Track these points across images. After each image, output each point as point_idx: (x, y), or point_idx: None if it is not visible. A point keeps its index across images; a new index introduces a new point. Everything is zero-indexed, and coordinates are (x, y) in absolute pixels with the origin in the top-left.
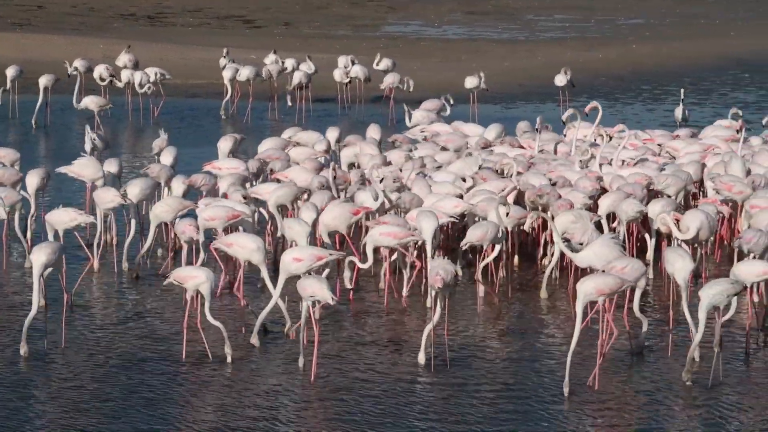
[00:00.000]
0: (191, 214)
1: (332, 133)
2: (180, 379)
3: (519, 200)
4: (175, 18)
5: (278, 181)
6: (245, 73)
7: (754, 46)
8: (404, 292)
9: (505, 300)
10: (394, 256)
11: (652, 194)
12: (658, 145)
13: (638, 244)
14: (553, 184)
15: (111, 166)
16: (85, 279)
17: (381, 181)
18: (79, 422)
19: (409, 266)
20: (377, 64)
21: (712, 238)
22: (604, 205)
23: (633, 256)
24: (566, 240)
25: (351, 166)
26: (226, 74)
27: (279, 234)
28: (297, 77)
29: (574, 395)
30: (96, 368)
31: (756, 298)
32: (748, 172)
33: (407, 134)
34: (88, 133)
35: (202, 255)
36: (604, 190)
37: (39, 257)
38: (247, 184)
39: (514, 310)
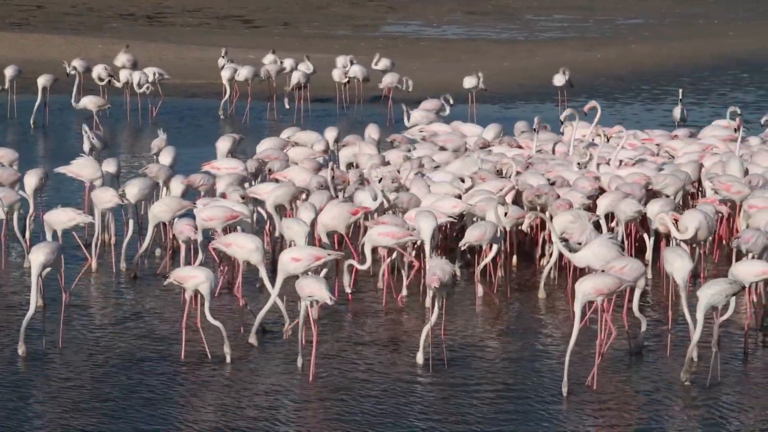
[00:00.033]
0: (189, 214)
1: (331, 133)
2: (179, 378)
3: (517, 200)
4: (174, 18)
5: (277, 181)
6: (244, 73)
7: (753, 46)
8: (403, 292)
9: (504, 300)
10: (393, 256)
11: (650, 194)
12: (657, 145)
13: (637, 244)
14: (552, 184)
15: (109, 166)
16: (83, 279)
17: (380, 181)
18: (77, 422)
19: (407, 266)
20: (376, 64)
21: (710, 238)
22: (603, 205)
23: (632, 256)
24: (564, 240)
25: (349, 166)
26: (225, 74)
27: (277, 234)
28: (295, 77)
29: (572, 395)
30: (95, 368)
31: (754, 298)
32: (746, 172)
33: (406, 134)
34: (86, 133)
35: (200, 255)
36: (602, 190)
37: (37, 257)
38: (246, 184)
39: (512, 310)
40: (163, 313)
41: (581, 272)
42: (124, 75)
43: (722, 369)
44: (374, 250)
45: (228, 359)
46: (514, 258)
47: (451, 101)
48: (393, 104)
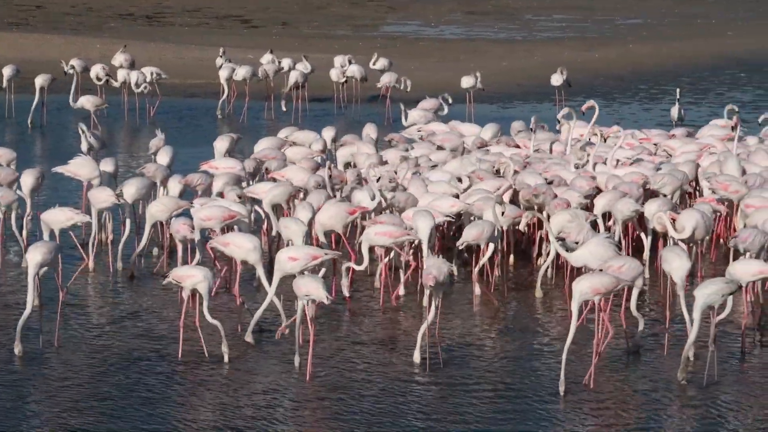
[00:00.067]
0: (187, 214)
1: (328, 133)
2: (177, 378)
3: (514, 199)
4: (173, 18)
5: (274, 180)
6: (242, 72)
7: (752, 46)
8: (400, 291)
9: (501, 299)
10: (391, 255)
11: (648, 194)
12: (654, 144)
13: (634, 244)
14: (550, 183)
15: (107, 165)
16: (80, 278)
17: (378, 181)
18: (75, 421)
19: (404, 265)
20: (374, 64)
21: (708, 237)
22: (600, 204)
23: (629, 255)
24: (561, 239)
25: (347, 165)
26: (223, 74)
27: (274, 233)
28: (293, 77)
29: (570, 394)
30: (92, 367)
31: (752, 297)
32: (744, 172)
33: (404, 133)
34: (83, 133)
35: (198, 255)
36: (600, 190)
37: (34, 257)
38: (243, 184)
39: (510, 309)
40: (161, 313)
41: (578, 271)
42: (121, 75)
43: (719, 368)
44: (371, 250)
45: (226, 358)
46: (511, 257)
47: (450, 101)
48: (391, 104)
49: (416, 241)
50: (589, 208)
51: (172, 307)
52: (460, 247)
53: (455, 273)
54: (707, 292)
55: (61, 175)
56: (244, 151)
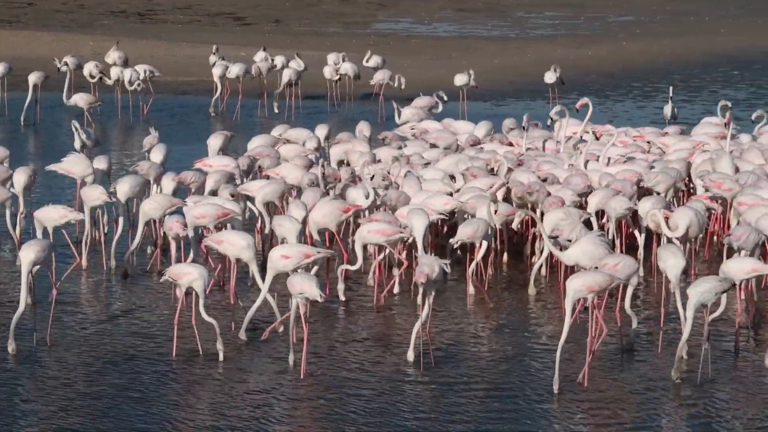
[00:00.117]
0: (180, 211)
1: (321, 131)
2: (171, 376)
3: (507, 197)
4: (165, 15)
5: (268, 178)
6: (235, 70)
7: (744, 44)
8: (395, 289)
9: (495, 297)
10: (386, 252)
11: (642, 191)
12: (647, 142)
13: (627, 241)
14: (544, 181)
15: (100, 163)
16: (73, 277)
17: (372, 179)
18: (68, 420)
19: (397, 263)
20: (367, 61)
21: (701, 235)
22: (593, 202)
23: (623, 253)
24: (554, 237)
25: (340, 163)
26: (216, 71)
27: (267, 230)
28: (286, 75)
29: (563, 393)
30: (85, 366)
31: (744, 295)
32: (737, 170)
33: (397, 131)
34: (76, 130)
35: (191, 253)
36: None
37: (28, 255)
38: (237, 181)
39: (503, 307)
40: (155, 311)
41: (572, 269)
42: (115, 72)
43: (713, 366)
44: (365, 248)
45: (221, 356)
46: (505, 255)
47: (445, 98)
48: (384, 101)
49: (409, 240)
50: (582, 206)
51: (166, 305)
52: (455, 246)
53: (448, 271)
54: (700, 290)
55: (54, 173)
56: (238, 149)
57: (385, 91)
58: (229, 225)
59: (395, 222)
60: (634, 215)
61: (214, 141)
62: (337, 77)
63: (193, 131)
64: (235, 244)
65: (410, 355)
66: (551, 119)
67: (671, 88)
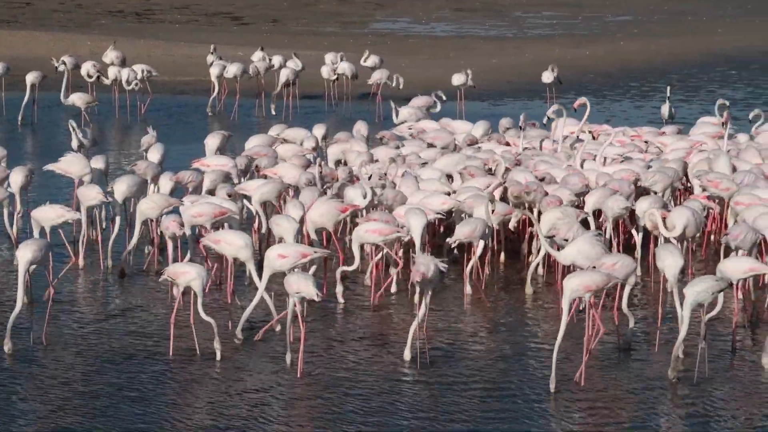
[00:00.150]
0: (177, 211)
1: (319, 130)
2: (168, 375)
3: (504, 197)
4: (162, 15)
5: (266, 177)
6: (232, 70)
7: (742, 43)
8: (392, 288)
9: (492, 297)
10: (384, 251)
11: (639, 191)
12: (645, 142)
13: (625, 241)
14: (541, 180)
15: (98, 162)
16: (71, 276)
17: (369, 179)
18: (65, 420)
19: (393, 263)
20: (365, 61)
21: (699, 234)
22: (591, 201)
23: (620, 252)
24: (550, 237)
25: (338, 163)
26: (214, 71)
27: (264, 230)
28: (284, 75)
29: (560, 392)
30: (82, 365)
31: (742, 295)
32: (735, 169)
33: (394, 131)
34: (74, 130)
35: (189, 252)
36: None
37: (24, 254)
38: (235, 180)
39: (500, 306)
40: (152, 310)
41: (569, 268)
42: (112, 72)
43: (710, 365)
44: (362, 248)
45: (218, 355)
46: (502, 255)
47: (444, 98)
48: (381, 101)
49: (406, 239)
50: (580, 206)
51: (163, 304)
52: (453, 245)
53: (444, 270)
54: (697, 289)
55: (52, 173)
56: (235, 149)
57: (382, 90)
58: (226, 224)
59: (393, 222)
60: (632, 215)
61: (212, 140)
62: (335, 77)
63: (191, 131)
64: (233, 244)
65: (407, 355)
66: (548, 118)
67: (669, 88)
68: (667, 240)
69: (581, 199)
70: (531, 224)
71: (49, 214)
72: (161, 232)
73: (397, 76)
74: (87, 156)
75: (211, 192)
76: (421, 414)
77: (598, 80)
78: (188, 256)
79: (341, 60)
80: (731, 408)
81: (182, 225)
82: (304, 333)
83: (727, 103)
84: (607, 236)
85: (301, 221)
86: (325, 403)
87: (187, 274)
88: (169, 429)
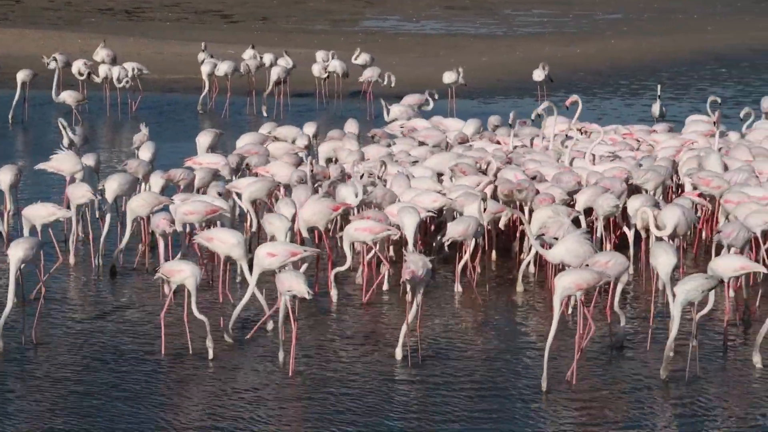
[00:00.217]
0: (167, 209)
1: (310, 128)
2: (160, 374)
3: (494, 195)
4: (152, 13)
5: (258, 176)
6: (223, 68)
7: (732, 41)
8: (384, 286)
9: (483, 295)
10: (376, 249)
11: (631, 188)
12: (636, 140)
13: (617, 240)
14: (533, 178)
15: (89, 160)
16: (62, 274)
17: (361, 177)
18: (56, 420)
19: (385, 261)
20: (356, 59)
21: (690, 232)
22: (582, 200)
23: (612, 251)
24: (540, 236)
25: (329, 161)
26: (205, 69)
27: (254, 228)
28: (275, 73)
29: (551, 390)
30: (73, 364)
31: (732, 293)
32: (726, 167)
33: (386, 129)
34: (64, 128)
35: (180, 250)
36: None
37: (16, 253)
38: (227, 178)
39: (492, 305)
40: (143, 308)
41: (561, 266)
42: (103, 70)
43: (702, 364)
44: (352, 246)
45: (210, 354)
46: (494, 253)
47: (436, 96)
48: (373, 99)
49: (396, 237)
50: (571, 204)
51: (155, 302)
52: (447, 244)
53: (434, 268)
54: (687, 288)
55: (43, 171)
56: (227, 147)
57: (373, 88)
58: (218, 222)
59: (385, 220)
60: (624, 213)
61: (204, 138)
62: (326, 75)
63: (182, 129)
64: (226, 242)
65: (398, 354)
66: (537, 114)
67: (659, 86)
68: (658, 238)
69: (572, 197)
70: (522, 222)
71: (40, 212)
72: (152, 230)
73: (388, 74)
74: (78, 154)
75: (204, 191)
76: (413, 413)
77: (589, 78)
78: (180, 253)
79: (332, 58)
80: (723, 406)
81: (173, 223)
82: (295, 332)
83: (719, 99)
84: (598, 235)
85: (293, 219)
86: (316, 402)
87: (181, 272)
88: (160, 428)
